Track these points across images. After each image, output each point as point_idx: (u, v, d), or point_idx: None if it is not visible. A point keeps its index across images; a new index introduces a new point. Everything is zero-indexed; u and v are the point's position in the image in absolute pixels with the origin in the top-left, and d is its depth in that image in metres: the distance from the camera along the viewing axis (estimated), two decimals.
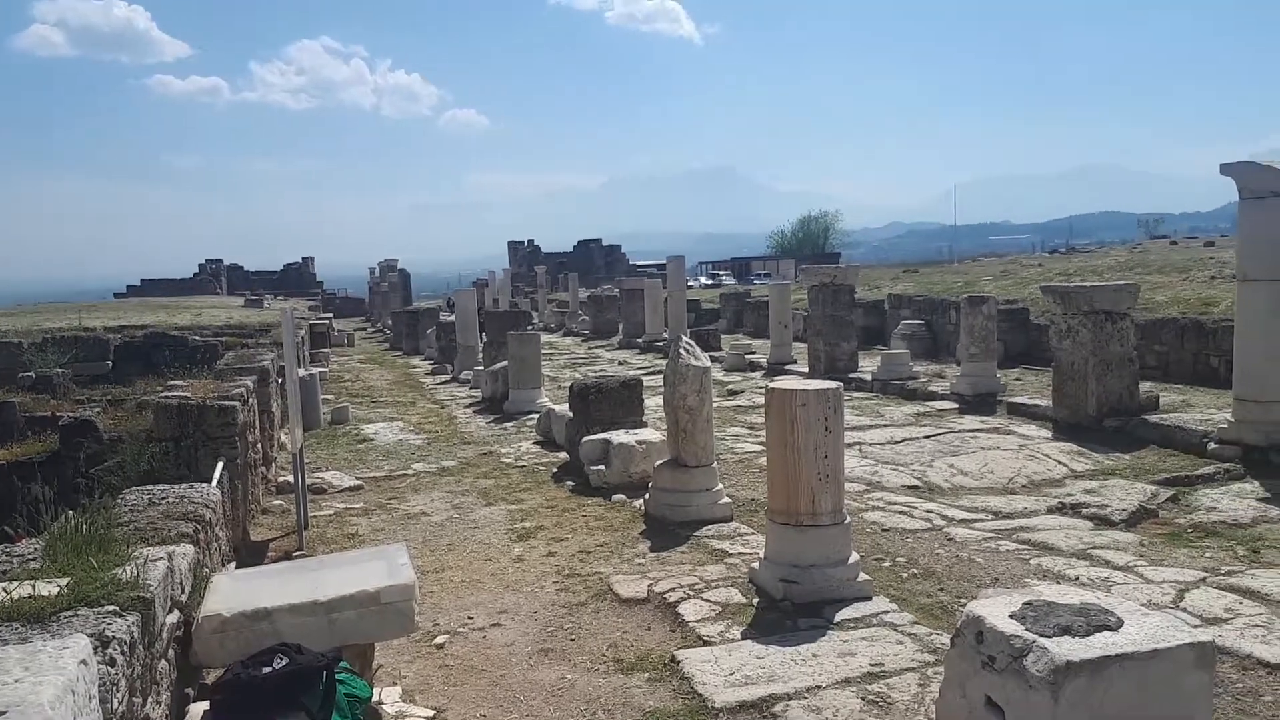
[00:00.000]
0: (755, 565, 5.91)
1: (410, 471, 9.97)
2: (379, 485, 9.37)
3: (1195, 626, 4.64)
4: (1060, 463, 9.13)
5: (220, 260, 64.49)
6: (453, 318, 21.43)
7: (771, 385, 5.81)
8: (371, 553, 4.95)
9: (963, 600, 5.24)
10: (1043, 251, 46.06)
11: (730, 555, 6.54)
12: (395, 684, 4.77)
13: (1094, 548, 6.55)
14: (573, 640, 5.28)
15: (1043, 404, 11.37)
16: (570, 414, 9.74)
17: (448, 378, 19.27)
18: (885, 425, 11.38)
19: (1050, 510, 7.59)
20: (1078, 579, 5.87)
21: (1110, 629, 3.37)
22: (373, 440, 12.03)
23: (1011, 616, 3.53)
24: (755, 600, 5.62)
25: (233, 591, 4.13)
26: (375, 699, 4.28)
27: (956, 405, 12.40)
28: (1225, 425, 8.95)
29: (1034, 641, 3.33)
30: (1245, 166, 8.50)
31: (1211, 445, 8.90)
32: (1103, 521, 7.16)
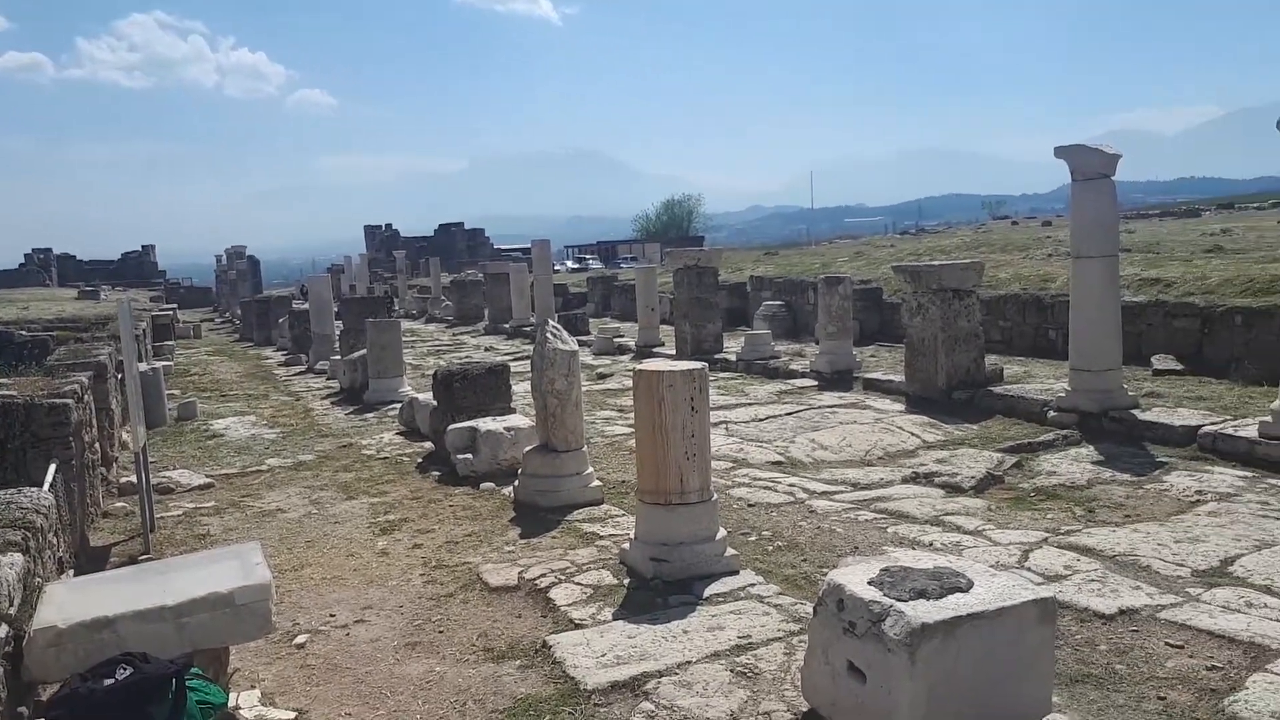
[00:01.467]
0: (626, 546, 5.94)
1: (265, 467, 9.56)
2: (231, 483, 8.94)
3: (1038, 584, 4.91)
4: (913, 434, 9.53)
5: (49, 249, 60.10)
6: (307, 306, 20.65)
7: (639, 367, 5.82)
8: (224, 553, 4.72)
9: (825, 570, 5.39)
10: (895, 233, 48.03)
11: (601, 538, 6.54)
12: (253, 687, 4.56)
13: (946, 514, 6.86)
14: (441, 632, 5.18)
15: (896, 379, 11.84)
16: (434, 402, 9.53)
17: (303, 368, 18.58)
18: (750, 404, 11.63)
19: (905, 480, 7.91)
20: (932, 544, 6.14)
21: (962, 590, 3.53)
22: (223, 436, 11.48)
23: (870, 583, 3.65)
24: (627, 581, 5.64)
25: (70, 601, 3.86)
26: (232, 704, 4.08)
27: (816, 382, 12.79)
28: (1063, 394, 9.52)
29: (891, 606, 3.46)
30: (1076, 149, 9.03)
31: (1051, 413, 9.46)
32: (954, 489, 7.52)
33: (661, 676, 4.39)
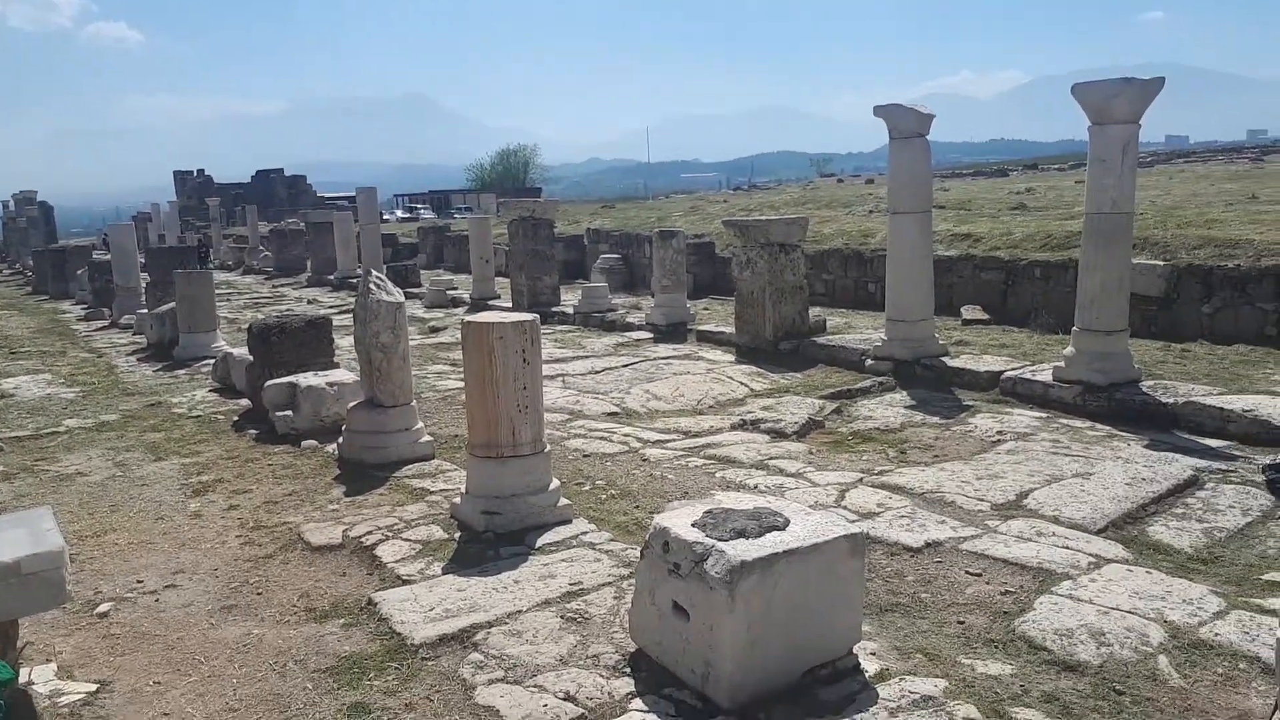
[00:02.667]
0: (457, 501, 5.85)
1: (62, 429, 8.85)
2: (23, 446, 8.24)
3: (852, 521, 5.17)
4: (742, 384, 9.81)
5: None
6: (109, 256, 19.16)
7: (467, 319, 5.70)
8: (10, 519, 4.33)
9: (655, 515, 5.49)
10: (728, 189, 49.00)
11: (432, 493, 6.42)
12: (49, 661, 4.25)
13: (771, 458, 7.11)
14: (259, 594, 4.96)
15: (727, 331, 12.14)
16: (251, 357, 9.06)
17: (105, 323, 17.28)
18: (587, 356, 11.66)
19: (734, 427, 8.13)
20: (756, 487, 6.35)
21: (779, 529, 3.66)
22: (13, 396, 10.55)
23: (694, 525, 3.74)
24: (458, 535, 5.57)
25: None
26: (23, 680, 3.78)
27: (652, 335, 12.96)
28: (880, 344, 10.01)
29: (713, 546, 3.55)
30: (893, 109, 9.41)
31: (869, 362, 9.93)
32: (778, 434, 7.79)
33: (491, 627, 4.37)
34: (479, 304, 16.68)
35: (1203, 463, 6.61)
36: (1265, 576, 4.78)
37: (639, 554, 4.03)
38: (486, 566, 5.08)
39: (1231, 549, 5.23)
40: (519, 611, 4.52)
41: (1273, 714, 2.87)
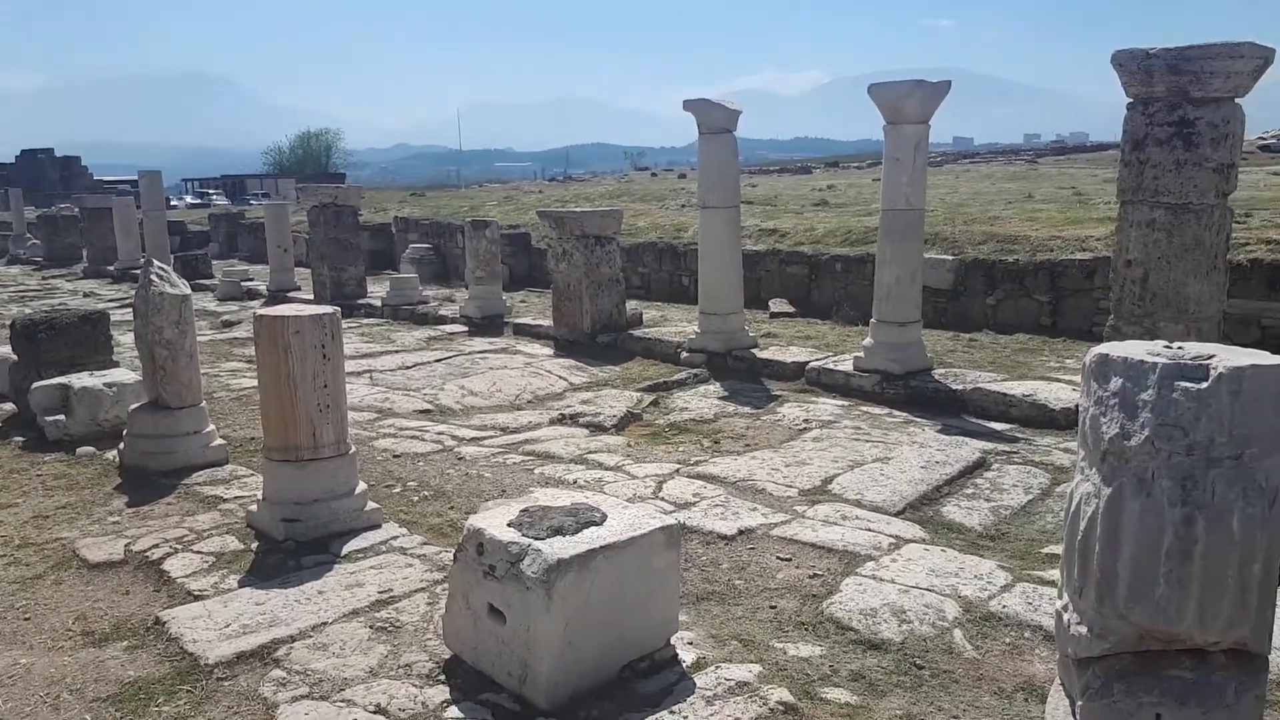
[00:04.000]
0: (254, 508, 5.47)
1: None
2: None
3: (668, 513, 5.20)
4: (561, 377, 9.73)
5: None
6: None
7: (260, 312, 5.32)
8: None
9: (470, 516, 5.33)
10: (543, 179, 48.78)
11: (225, 501, 5.98)
12: None
13: (590, 452, 7.07)
14: (27, 619, 4.45)
15: (545, 324, 12.03)
16: (15, 356, 8.16)
17: None
18: (397, 351, 11.25)
19: (552, 422, 8.05)
20: (576, 482, 6.29)
21: (596, 524, 3.60)
22: None
23: (510, 525, 3.62)
24: (255, 545, 5.20)
25: None
26: None
27: (466, 328, 12.66)
28: (694, 336, 10.17)
29: (530, 545, 3.45)
30: (702, 103, 9.56)
31: (684, 354, 10.08)
32: (597, 428, 7.77)
33: (294, 641, 4.09)
34: (277, 296, 15.80)
35: (989, 445, 7.09)
36: (1045, 550, 5.15)
37: (453, 557, 3.88)
38: (288, 578, 4.77)
39: (1016, 525, 5.61)
40: (324, 623, 4.26)
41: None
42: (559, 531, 3.53)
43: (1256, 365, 2.00)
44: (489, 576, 3.56)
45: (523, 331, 12.23)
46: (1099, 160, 29.73)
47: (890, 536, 5.31)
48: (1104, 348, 2.21)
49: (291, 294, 15.85)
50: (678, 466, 6.67)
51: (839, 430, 7.58)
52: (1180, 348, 2.12)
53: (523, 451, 7.13)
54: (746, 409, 8.32)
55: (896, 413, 8.09)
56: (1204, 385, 1.97)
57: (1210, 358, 2.03)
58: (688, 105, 9.64)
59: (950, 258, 12.21)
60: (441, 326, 12.94)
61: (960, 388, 8.25)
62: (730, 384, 9.17)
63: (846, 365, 9.03)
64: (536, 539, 3.49)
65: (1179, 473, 2.00)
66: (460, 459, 6.97)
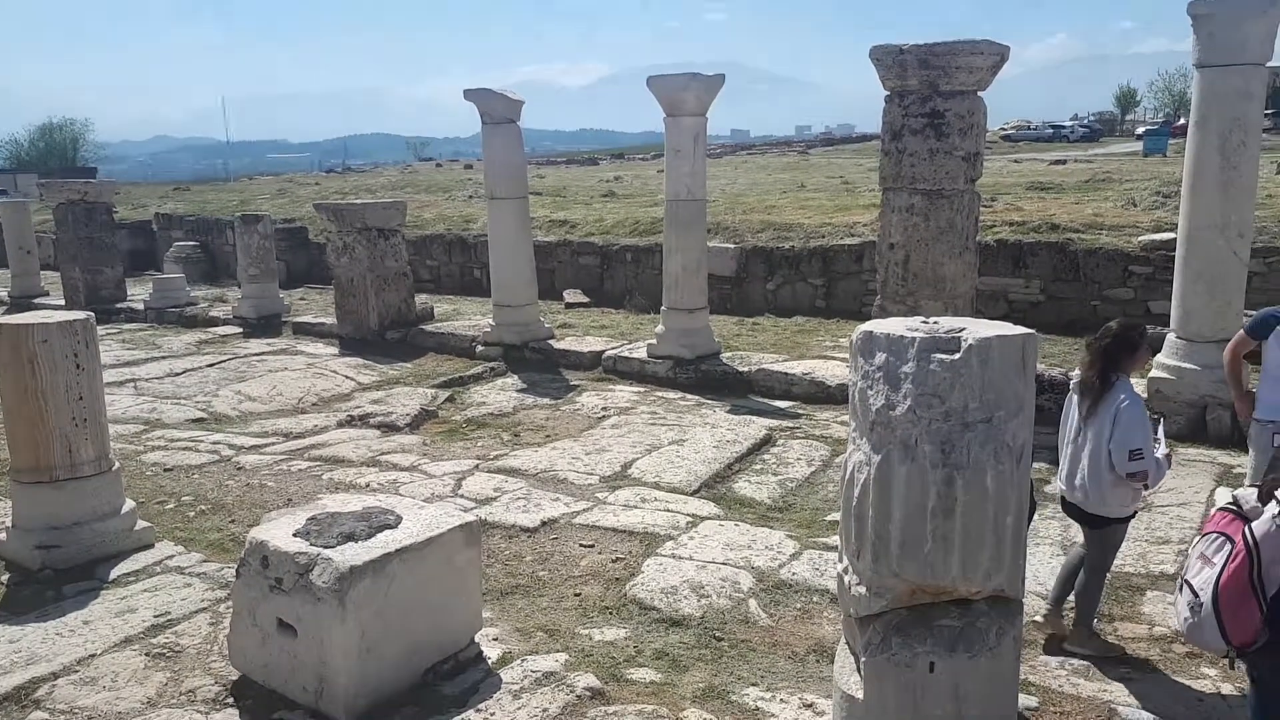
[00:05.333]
0: (2, 536, 4.93)
1: None
2: None
3: (469, 509, 5.12)
4: (348, 377, 9.36)
5: None
6: None
7: (1, 321, 4.79)
8: None
9: (253, 529, 5.04)
10: (320, 171, 46.67)
11: None
12: None
13: (383, 453, 6.84)
14: None
15: (329, 322, 11.53)
16: None
17: None
18: (164, 357, 10.45)
19: (341, 424, 7.73)
20: (368, 485, 6.07)
21: (391, 527, 3.49)
22: None
23: (296, 535, 3.45)
24: (6, 577, 4.70)
25: None
26: None
27: (241, 329, 11.94)
28: (489, 329, 10.05)
29: (319, 554, 3.30)
30: (483, 93, 9.43)
31: (479, 348, 9.95)
32: (390, 428, 7.53)
33: (58, 678, 3.73)
34: (21, 303, 14.27)
35: (775, 422, 7.44)
36: (828, 518, 5.46)
37: (236, 573, 3.65)
38: (46, 610, 4.34)
39: (801, 496, 5.92)
40: (92, 655, 3.91)
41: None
42: (350, 538, 3.40)
43: (1001, 336, 2.20)
44: (276, 590, 3.37)
45: (304, 331, 11.67)
46: (865, 150, 31.83)
47: (688, 516, 5.47)
48: (868, 325, 2.36)
49: (39, 300, 14.38)
50: (477, 462, 6.58)
51: (636, 416, 7.72)
52: (935, 323, 2.30)
53: (309, 457, 6.81)
54: (546, 400, 8.32)
55: (689, 396, 8.33)
56: (957, 356, 2.14)
57: (961, 330, 2.21)
58: (469, 95, 9.48)
59: (732, 246, 12.70)
60: (213, 329, 12.13)
61: (747, 369, 8.61)
62: (528, 376, 9.14)
63: (641, 352, 9.21)
64: (326, 547, 3.34)
65: (939, 437, 2.17)
66: (240, 469, 6.57)
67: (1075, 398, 4.03)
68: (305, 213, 18.60)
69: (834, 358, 8.97)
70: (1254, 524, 2.38)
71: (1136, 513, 4.15)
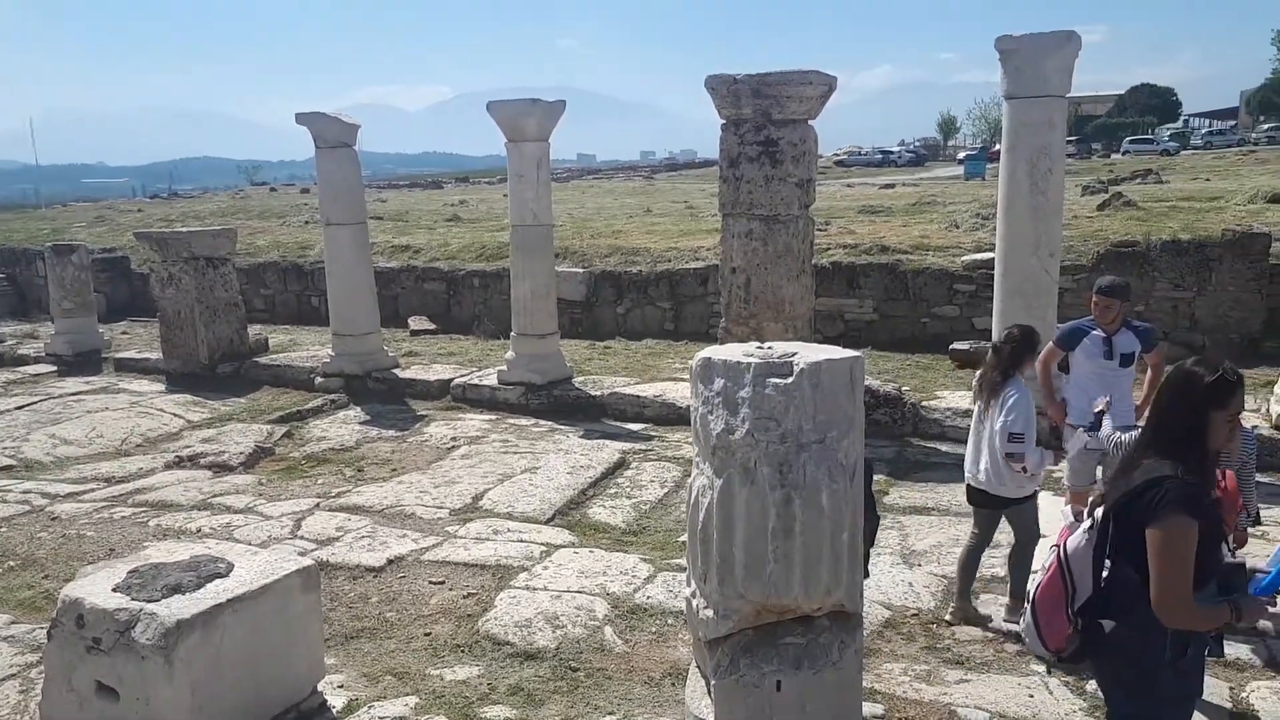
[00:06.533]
0: None
1: None
2: None
3: (309, 552, 4.91)
4: (176, 415, 8.83)
5: None
6: None
7: None
8: None
9: (68, 585, 4.66)
10: (144, 196, 44.09)
11: None
12: None
13: (215, 495, 6.48)
14: None
15: (154, 357, 10.85)
16: None
17: None
18: None
19: (169, 466, 7.27)
20: (199, 531, 5.72)
21: (222, 576, 3.29)
22: None
23: (115, 590, 3.20)
24: None
25: None
26: None
27: (55, 368, 11.08)
28: (329, 360, 9.69)
29: (141, 610, 3.07)
30: (316, 117, 9.13)
31: (318, 379, 9.57)
32: (222, 468, 7.13)
33: None
34: None
35: (628, 445, 7.47)
36: (681, 539, 5.50)
37: (47, 634, 3.35)
38: None
39: (654, 518, 5.96)
40: None
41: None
42: (177, 590, 3.18)
43: (830, 360, 2.27)
44: (94, 651, 3.12)
45: (127, 367, 10.94)
46: (707, 175, 32.63)
47: (542, 545, 5.40)
48: (707, 352, 2.40)
49: None
50: (318, 500, 6.32)
51: (487, 445, 7.59)
52: (770, 348, 2.36)
53: (133, 503, 6.36)
54: (391, 432, 8.08)
55: (542, 422, 8.27)
56: (790, 380, 2.21)
57: (794, 355, 2.28)
58: (301, 119, 9.17)
59: (581, 270, 12.74)
60: (23, 368, 11.20)
61: (599, 393, 8.62)
62: (372, 407, 8.86)
63: (491, 379, 9.08)
64: (150, 601, 3.11)
65: (776, 459, 2.22)
66: (55, 519, 6.07)
67: (978, 395, 4.49)
68: (127, 241, 17.50)
69: (684, 379, 9.10)
70: (1069, 538, 2.55)
71: (1037, 494, 4.54)
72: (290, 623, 3.40)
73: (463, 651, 4.24)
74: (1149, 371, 5.21)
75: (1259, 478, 6.25)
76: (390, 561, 5.19)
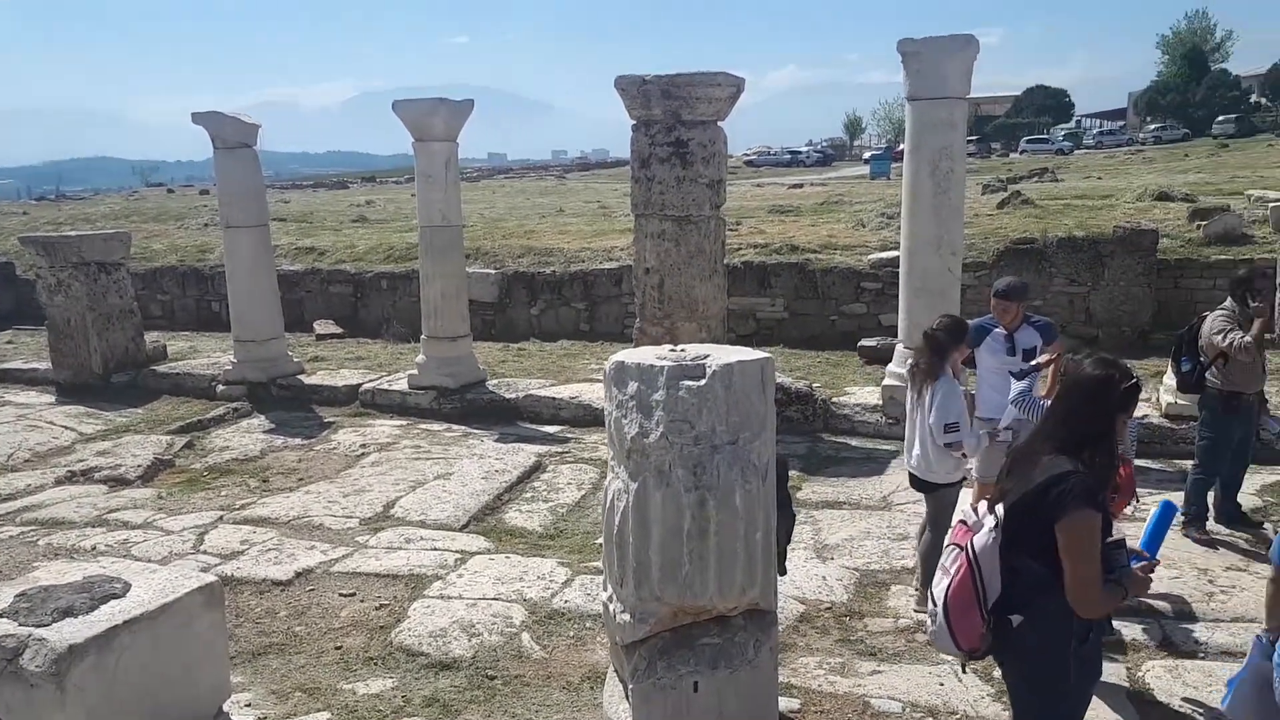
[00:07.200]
0: None
1: None
2: None
3: (213, 567, 4.73)
4: (68, 428, 8.43)
5: None
6: None
7: None
8: None
9: None
10: (29, 199, 42.05)
11: None
12: None
13: (111, 511, 6.20)
14: None
15: (43, 367, 10.35)
16: None
17: None
18: None
19: (60, 481, 6.93)
20: (94, 549, 5.47)
21: (118, 597, 3.13)
22: None
23: (2, 615, 3.02)
24: None
25: None
26: None
27: None
28: (230, 367, 9.38)
29: (30, 635, 2.91)
30: (213, 116, 8.83)
31: (220, 387, 9.26)
32: (118, 482, 6.84)
33: None
34: None
35: (544, 448, 7.42)
36: (599, 541, 5.48)
37: None
38: None
39: (572, 521, 5.92)
40: None
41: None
42: (69, 613, 3.01)
43: (742, 361, 2.28)
44: None
45: (12, 379, 10.40)
46: (620, 175, 32.70)
47: (456, 552, 5.32)
48: (620, 355, 2.39)
49: None
50: (221, 513, 6.10)
51: (399, 451, 7.45)
52: (683, 350, 2.36)
53: (21, 521, 6.05)
54: (297, 440, 7.86)
55: (455, 427, 8.15)
56: (703, 382, 2.21)
57: (706, 357, 2.28)
58: (198, 119, 8.85)
59: (493, 271, 12.60)
60: None
61: (513, 396, 8.54)
62: (277, 415, 8.60)
63: (401, 384, 8.91)
64: (40, 626, 2.94)
65: (690, 461, 2.22)
66: None
67: (911, 385, 4.64)
68: (11, 246, 16.65)
69: (600, 380, 9.02)
70: (975, 537, 2.60)
71: (964, 480, 4.73)
72: (192, 642, 3.26)
73: (375, 664, 4.14)
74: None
75: (1149, 464, 6.58)
76: (298, 574, 5.04)
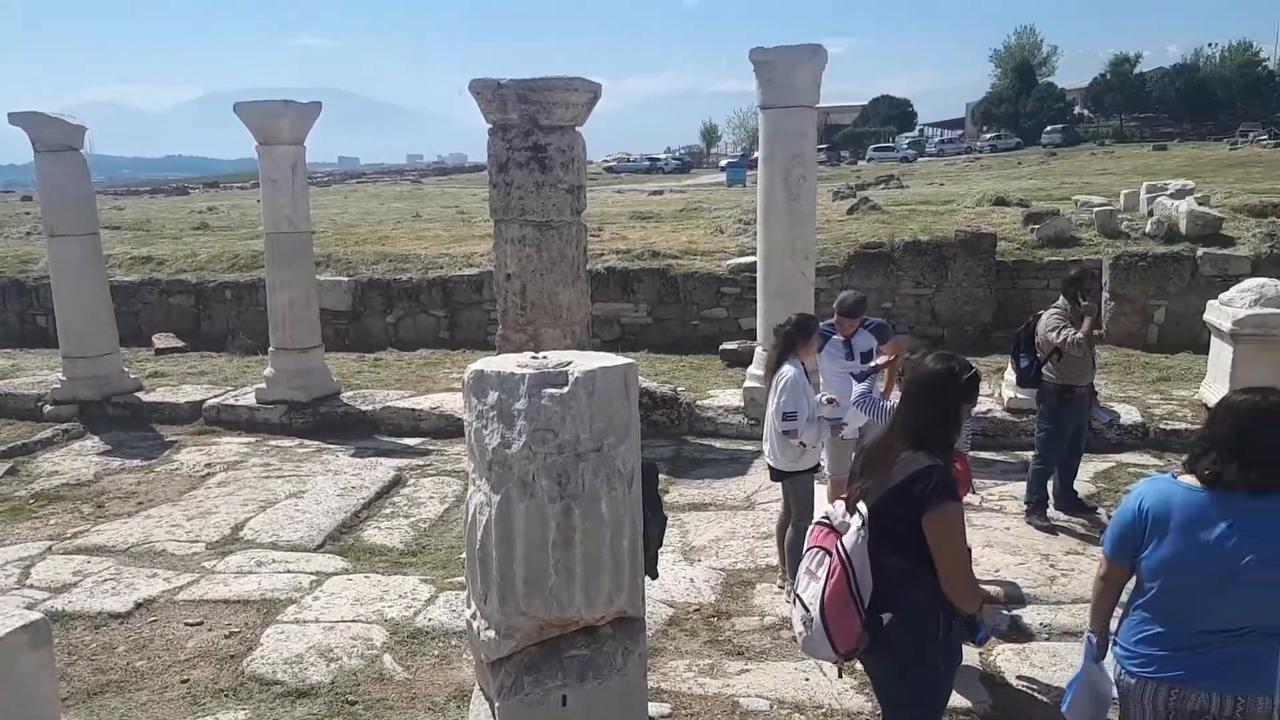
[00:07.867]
0: None
1: None
2: None
3: (36, 604, 4.38)
4: None
5: None
6: None
7: None
8: None
9: None
10: None
11: None
12: None
13: None
14: None
15: None
16: None
17: None
18: None
19: None
20: None
21: None
22: None
23: None
24: None
25: None
26: None
27: None
28: (59, 385, 8.74)
29: None
30: (34, 117, 8.21)
31: (48, 408, 8.61)
32: None
33: None
34: None
35: (404, 461, 7.20)
36: (463, 555, 5.36)
37: None
38: None
39: (435, 536, 5.77)
40: None
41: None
42: None
43: (604, 367, 2.25)
44: None
45: None
46: (478, 180, 32.27)
47: (311, 574, 5.09)
48: (479, 364, 2.32)
49: None
50: (50, 543, 5.66)
51: (247, 470, 7.09)
52: (545, 357, 2.31)
53: None
54: (136, 462, 7.38)
55: (308, 442, 7.82)
56: (565, 390, 2.16)
57: (569, 364, 2.24)
58: (15, 119, 8.23)
59: (346, 279, 12.19)
60: None
61: (370, 408, 8.27)
62: (113, 435, 8.06)
63: (249, 399, 8.50)
64: None
65: (555, 470, 2.17)
66: None
67: (765, 379, 4.86)
68: None
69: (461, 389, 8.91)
70: (844, 538, 2.63)
71: (817, 468, 4.90)
72: (16, 685, 2.98)
73: (226, 696, 3.91)
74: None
75: (994, 456, 6.94)
76: (139, 605, 4.72)
